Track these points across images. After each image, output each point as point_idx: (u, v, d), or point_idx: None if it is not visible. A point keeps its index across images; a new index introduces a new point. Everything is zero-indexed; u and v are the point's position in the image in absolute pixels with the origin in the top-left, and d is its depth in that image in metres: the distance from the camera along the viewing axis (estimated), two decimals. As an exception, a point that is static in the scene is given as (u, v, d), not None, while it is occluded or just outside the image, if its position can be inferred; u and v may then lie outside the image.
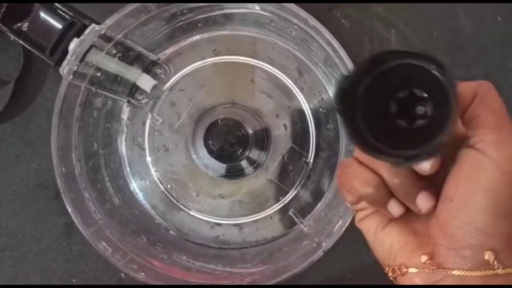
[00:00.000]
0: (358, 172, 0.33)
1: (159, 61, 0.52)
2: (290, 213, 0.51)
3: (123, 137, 0.53)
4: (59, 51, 0.47)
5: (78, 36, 0.46)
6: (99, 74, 0.48)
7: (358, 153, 0.33)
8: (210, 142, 0.51)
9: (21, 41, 0.48)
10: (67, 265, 0.54)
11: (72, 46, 0.46)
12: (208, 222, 0.52)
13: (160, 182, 0.53)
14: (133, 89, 0.52)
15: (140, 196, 0.53)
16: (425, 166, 0.30)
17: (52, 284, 0.54)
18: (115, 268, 0.46)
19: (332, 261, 0.53)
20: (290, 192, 0.52)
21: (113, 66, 0.49)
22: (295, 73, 0.52)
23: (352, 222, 0.45)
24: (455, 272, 0.31)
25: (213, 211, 0.52)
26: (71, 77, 0.45)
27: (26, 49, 0.49)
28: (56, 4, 0.48)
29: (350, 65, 0.44)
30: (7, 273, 0.53)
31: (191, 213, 0.53)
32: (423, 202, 0.33)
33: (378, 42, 0.54)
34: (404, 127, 0.30)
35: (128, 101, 0.53)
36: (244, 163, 0.52)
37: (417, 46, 0.54)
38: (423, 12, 0.54)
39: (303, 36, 0.48)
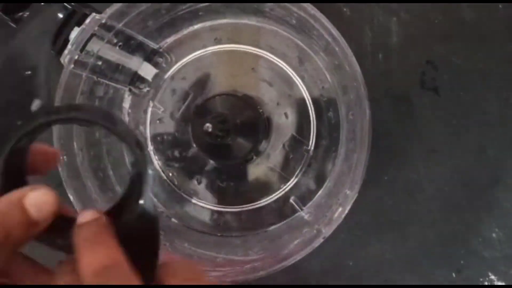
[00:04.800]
0: None
1: (160, 50, 0.53)
2: (291, 200, 0.52)
3: (125, 125, 0.53)
4: (60, 40, 0.47)
5: (79, 25, 0.46)
6: (100, 63, 0.48)
7: None
8: (211, 130, 0.51)
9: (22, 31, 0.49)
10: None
11: (73, 35, 0.46)
12: (209, 210, 0.53)
13: (162, 170, 0.53)
14: (134, 78, 0.52)
15: (142, 184, 0.53)
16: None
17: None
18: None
19: (333, 248, 0.53)
20: (291, 180, 0.52)
21: (114, 55, 0.49)
22: (296, 61, 0.52)
23: (352, 210, 0.45)
24: None
25: (214, 199, 0.53)
26: (72, 66, 0.46)
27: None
28: (57, -7, 0.48)
29: (350, 53, 0.44)
30: (11, 261, 0.54)
31: (193, 201, 0.53)
32: None
33: (379, 30, 0.54)
34: None
35: (130, 90, 0.53)
36: (245, 151, 0.52)
37: (418, 34, 0.54)
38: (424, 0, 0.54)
39: (304, 24, 0.48)
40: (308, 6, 0.45)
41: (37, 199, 0.26)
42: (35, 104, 0.29)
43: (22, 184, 0.28)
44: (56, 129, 0.46)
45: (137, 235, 0.28)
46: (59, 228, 0.27)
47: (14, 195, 0.26)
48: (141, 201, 0.27)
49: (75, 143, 0.48)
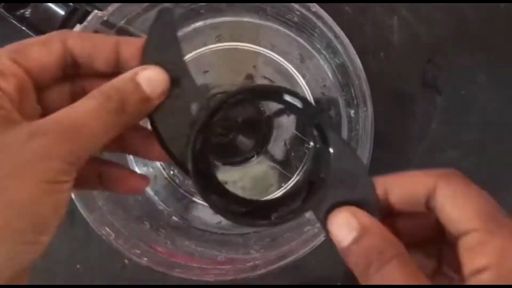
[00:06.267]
0: None
1: (162, 48, 0.52)
2: (292, 199, 0.52)
3: (126, 123, 0.53)
4: (62, 37, 0.47)
5: (80, 23, 0.46)
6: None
7: None
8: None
9: (24, 28, 0.48)
10: (71, 251, 0.54)
11: (74, 32, 0.46)
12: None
13: (163, 168, 0.53)
14: (136, 76, 0.52)
15: (143, 182, 0.53)
16: None
17: (57, 270, 0.54)
18: (119, 254, 0.46)
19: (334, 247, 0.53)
20: (292, 178, 0.52)
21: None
22: (297, 59, 0.52)
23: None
24: None
25: (216, 197, 0.53)
26: (74, 63, 0.46)
27: (29, 35, 0.49)
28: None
29: (352, 51, 0.44)
30: (12, 259, 0.54)
31: (194, 199, 0.53)
32: None
33: (380, 28, 0.54)
34: None
35: (131, 88, 0.53)
36: (246, 149, 0.52)
37: (420, 32, 0.54)
38: (426, -2, 0.54)
39: (305, 22, 0.48)
40: (311, 4, 0.45)
41: (149, 76, 0.29)
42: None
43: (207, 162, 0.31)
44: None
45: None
46: None
47: (128, 73, 0.29)
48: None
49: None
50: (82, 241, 0.54)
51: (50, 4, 0.47)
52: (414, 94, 0.54)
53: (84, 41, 0.30)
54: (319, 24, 0.46)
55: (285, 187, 0.52)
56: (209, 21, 0.53)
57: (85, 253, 0.54)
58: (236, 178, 0.53)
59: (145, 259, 0.46)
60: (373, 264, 0.26)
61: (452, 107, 0.54)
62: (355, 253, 0.27)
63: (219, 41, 0.53)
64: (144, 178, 0.34)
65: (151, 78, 0.29)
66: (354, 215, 0.28)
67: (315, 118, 0.30)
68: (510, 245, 0.25)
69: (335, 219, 0.28)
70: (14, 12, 0.49)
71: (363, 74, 0.45)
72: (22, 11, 0.49)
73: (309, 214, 0.49)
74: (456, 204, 0.27)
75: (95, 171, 0.32)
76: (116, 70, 0.31)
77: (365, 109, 0.46)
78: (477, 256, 0.25)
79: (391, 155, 0.54)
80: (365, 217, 0.28)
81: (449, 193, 0.27)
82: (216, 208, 0.30)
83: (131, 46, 0.31)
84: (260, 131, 0.51)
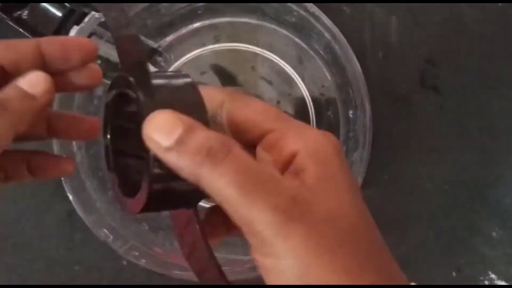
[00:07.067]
0: None
1: (160, 49, 0.52)
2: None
3: (124, 125, 0.53)
4: (59, 39, 0.47)
5: (77, 24, 0.46)
6: (99, 62, 0.48)
7: None
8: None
9: (21, 29, 0.48)
10: (69, 253, 0.54)
11: (72, 34, 0.46)
12: (209, 209, 0.53)
13: (161, 169, 0.53)
14: (133, 77, 0.52)
15: (141, 183, 0.53)
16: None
17: (55, 271, 0.54)
18: (117, 255, 0.46)
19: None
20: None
21: (113, 53, 0.49)
22: (296, 60, 0.52)
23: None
24: None
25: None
26: (71, 65, 0.45)
27: (26, 37, 0.49)
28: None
29: (350, 52, 0.44)
30: (10, 260, 0.54)
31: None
32: None
33: (378, 28, 0.54)
34: None
35: (129, 89, 0.53)
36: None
37: (418, 32, 0.54)
38: (424, -2, 0.54)
39: (303, 23, 0.48)
40: (308, 4, 0.44)
41: (29, 78, 0.29)
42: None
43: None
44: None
45: None
46: None
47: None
48: None
49: (74, 143, 0.48)
50: (81, 243, 0.54)
51: (47, 6, 0.47)
52: (413, 94, 0.54)
53: (7, 49, 0.30)
54: (317, 24, 0.46)
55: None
56: (207, 22, 0.53)
57: (83, 254, 0.54)
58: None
59: (144, 260, 0.46)
60: (205, 164, 0.24)
61: (450, 107, 0.54)
62: (182, 152, 0.24)
63: (217, 41, 0.53)
64: (69, 160, 0.34)
65: (30, 80, 0.29)
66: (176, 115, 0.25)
67: None
68: (306, 130, 0.27)
69: (153, 120, 0.25)
70: (11, 13, 0.49)
71: (361, 75, 0.45)
72: (19, 12, 0.49)
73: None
74: (245, 112, 0.28)
75: (23, 162, 0.33)
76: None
77: (363, 109, 0.46)
78: (285, 145, 0.27)
79: (389, 156, 0.54)
80: (187, 118, 0.25)
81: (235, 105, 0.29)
82: None
83: (52, 45, 0.31)
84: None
